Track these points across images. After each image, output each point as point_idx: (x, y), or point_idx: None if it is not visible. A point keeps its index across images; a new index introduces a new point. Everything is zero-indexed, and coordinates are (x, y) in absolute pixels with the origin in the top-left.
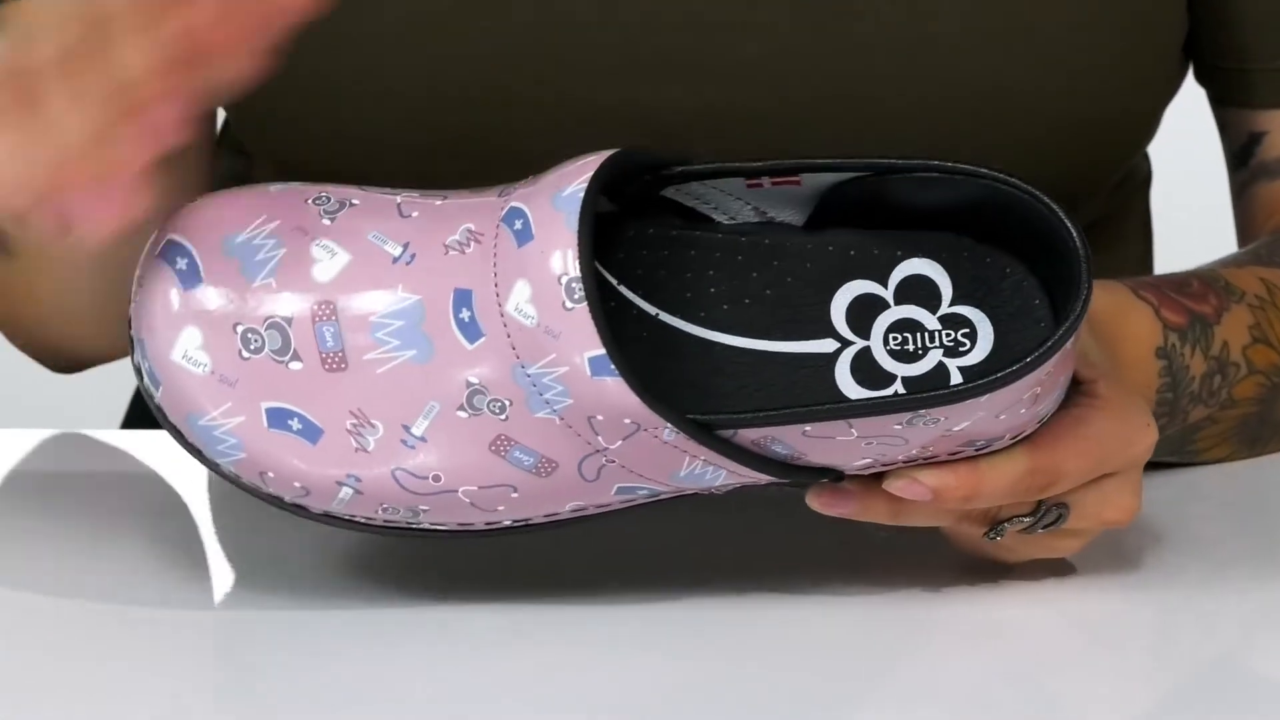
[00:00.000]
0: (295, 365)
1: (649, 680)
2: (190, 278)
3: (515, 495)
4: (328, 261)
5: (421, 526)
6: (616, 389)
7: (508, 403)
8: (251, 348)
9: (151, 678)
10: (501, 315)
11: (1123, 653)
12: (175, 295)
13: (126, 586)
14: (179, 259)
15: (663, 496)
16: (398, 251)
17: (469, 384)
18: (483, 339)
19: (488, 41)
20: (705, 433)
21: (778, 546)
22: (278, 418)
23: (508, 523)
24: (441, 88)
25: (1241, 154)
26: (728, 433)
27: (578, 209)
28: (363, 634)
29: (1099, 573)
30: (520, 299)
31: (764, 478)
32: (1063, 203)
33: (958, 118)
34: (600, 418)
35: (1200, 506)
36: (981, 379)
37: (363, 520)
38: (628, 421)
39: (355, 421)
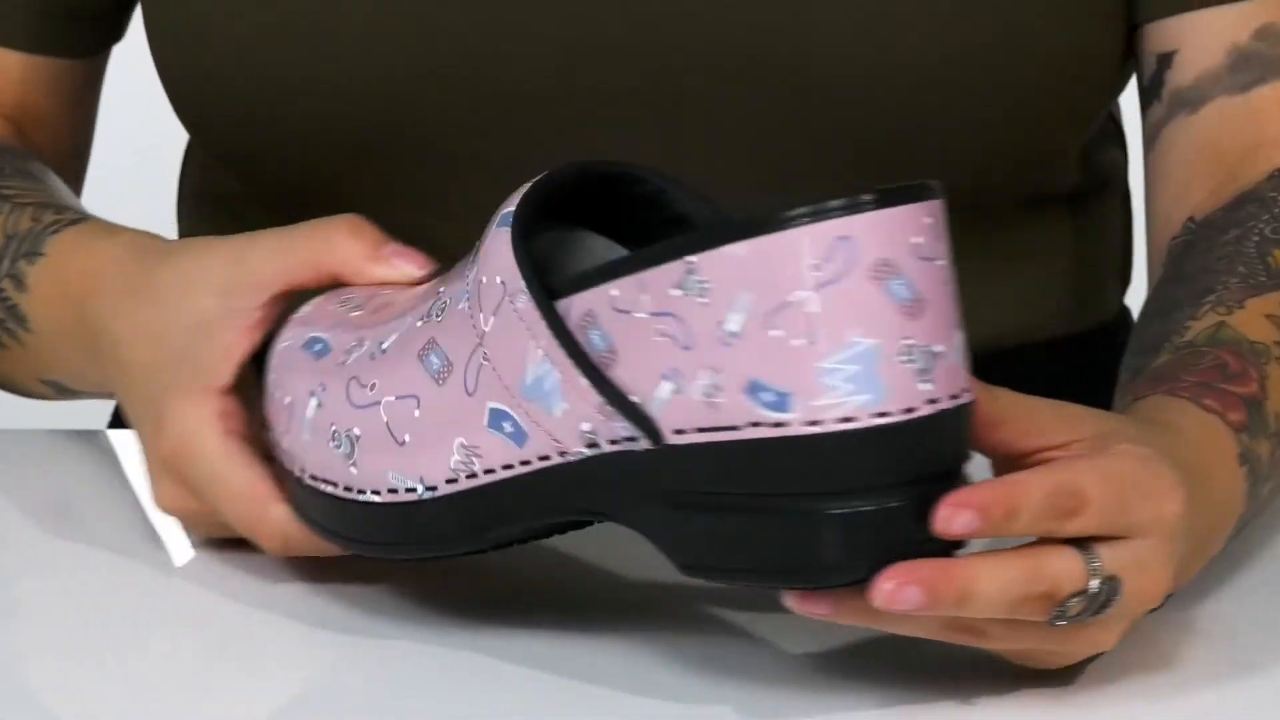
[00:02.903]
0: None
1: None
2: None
3: (418, 414)
4: None
5: (356, 496)
6: (502, 241)
7: (448, 302)
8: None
9: (146, 676)
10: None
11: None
12: None
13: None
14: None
15: (526, 472)
16: None
17: (438, 294)
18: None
19: (424, 32)
20: (546, 302)
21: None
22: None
23: (408, 485)
24: (379, 82)
25: (1153, 85)
26: (565, 305)
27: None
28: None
29: None
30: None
31: (582, 381)
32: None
33: (914, 89)
34: (484, 280)
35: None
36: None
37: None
38: (500, 281)
39: (354, 343)
